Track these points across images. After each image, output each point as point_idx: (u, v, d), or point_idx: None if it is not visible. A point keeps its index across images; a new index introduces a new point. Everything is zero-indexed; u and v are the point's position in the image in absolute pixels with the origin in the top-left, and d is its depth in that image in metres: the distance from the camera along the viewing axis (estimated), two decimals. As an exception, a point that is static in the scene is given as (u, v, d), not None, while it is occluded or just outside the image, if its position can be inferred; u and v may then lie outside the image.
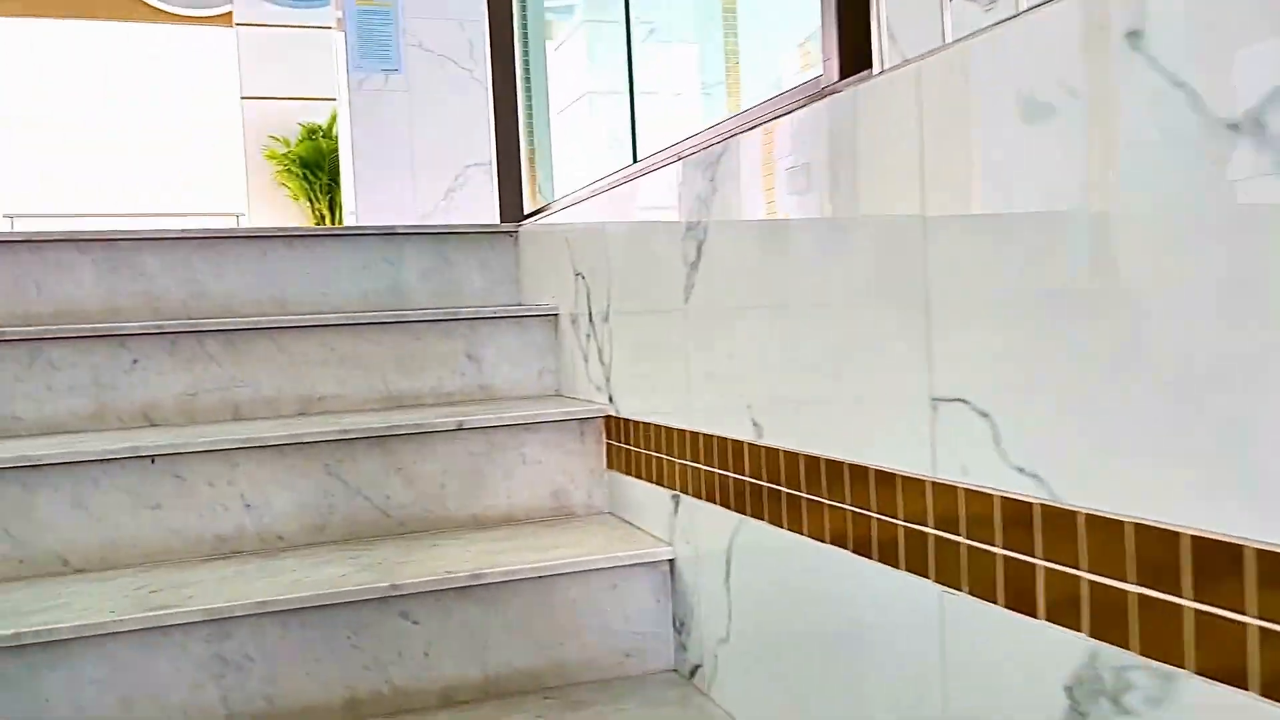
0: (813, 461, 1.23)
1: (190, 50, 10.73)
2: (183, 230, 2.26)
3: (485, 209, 6.04)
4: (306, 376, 2.08)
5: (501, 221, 2.65)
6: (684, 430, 1.61)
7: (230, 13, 9.37)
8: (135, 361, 1.97)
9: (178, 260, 2.27)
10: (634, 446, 1.83)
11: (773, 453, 1.32)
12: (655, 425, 1.73)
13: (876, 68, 1.08)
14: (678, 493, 1.65)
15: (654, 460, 1.74)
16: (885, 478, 1.09)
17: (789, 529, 1.30)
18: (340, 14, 5.81)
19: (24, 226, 9.61)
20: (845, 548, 1.17)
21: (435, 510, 1.87)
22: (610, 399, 1.94)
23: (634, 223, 1.79)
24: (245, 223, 9.75)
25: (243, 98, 9.38)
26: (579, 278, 2.08)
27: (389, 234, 2.42)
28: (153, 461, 1.71)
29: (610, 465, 1.96)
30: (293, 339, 2.07)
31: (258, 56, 9.42)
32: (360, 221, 5.83)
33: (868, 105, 1.09)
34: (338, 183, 8.88)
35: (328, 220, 9.34)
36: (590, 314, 2.02)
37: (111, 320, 2.22)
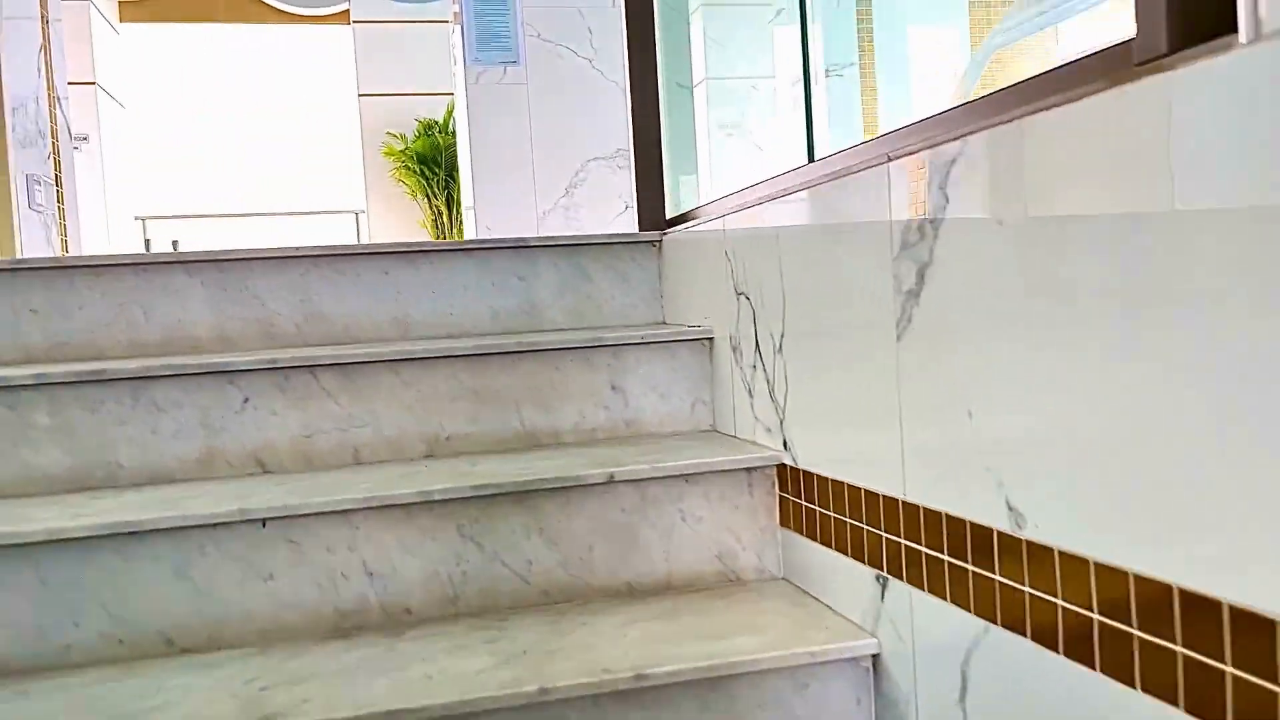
0: (1115, 578, 0.90)
1: (309, 50, 10.82)
2: (296, 248, 2.04)
3: (607, 204, 5.80)
4: (433, 413, 1.84)
5: (640, 229, 2.37)
6: (894, 498, 1.29)
7: (347, 10, 9.37)
8: (246, 400, 1.76)
9: (291, 281, 2.05)
10: (818, 506, 1.52)
11: (1043, 553, 1.00)
12: (850, 486, 1.41)
13: (1245, 34, 0.75)
14: (884, 574, 1.33)
15: (847, 527, 1.43)
16: (1260, 625, 0.76)
17: (1067, 656, 0.97)
18: (457, 7, 5.64)
19: (153, 229, 9.83)
20: (1173, 704, 0.85)
21: (582, 577, 1.60)
22: (785, 444, 1.63)
23: (819, 237, 1.48)
24: (364, 220, 9.78)
25: (360, 95, 9.38)
26: (741, 298, 1.77)
27: (520, 247, 2.16)
28: (264, 525, 1.48)
29: (784, 523, 1.66)
30: (417, 371, 1.83)
31: (374, 53, 9.40)
32: (479, 218, 5.65)
33: (1230, 87, 0.75)
34: (455, 178, 8.79)
35: (445, 216, 9.29)
36: (757, 341, 1.71)
37: (222, 350, 2.02)
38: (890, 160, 1.25)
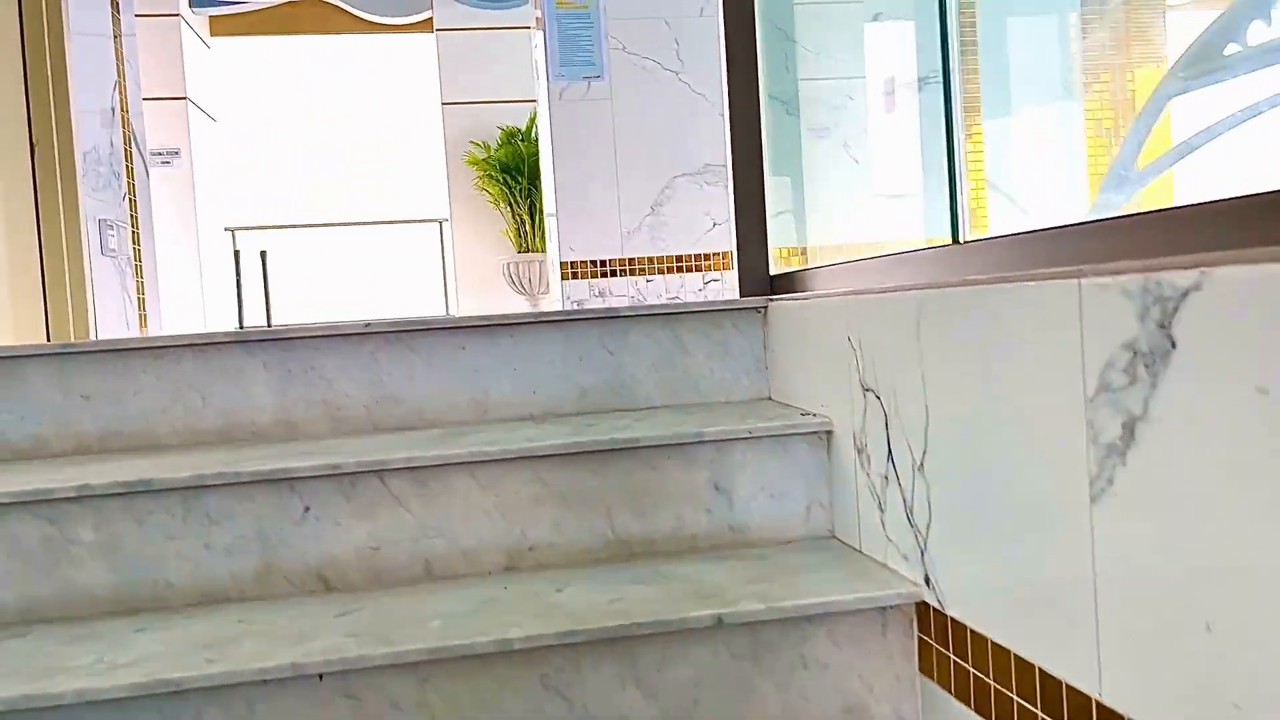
0: None
1: (394, 59, 10.83)
2: (366, 324, 1.85)
3: (694, 222, 5.56)
4: (514, 519, 1.63)
5: (741, 290, 2.13)
6: (1085, 695, 1.03)
7: (430, 19, 9.31)
8: (307, 510, 1.57)
9: (360, 360, 1.87)
10: (972, 667, 1.26)
11: None
12: (1019, 657, 1.16)
13: None
14: (1067, 781, 1.07)
15: (1013, 704, 1.17)
16: None
17: None
18: (539, 13, 5.46)
19: (242, 240, 9.92)
20: None
21: (686, 735, 1.37)
22: (927, 580, 1.37)
23: (976, 348, 1.22)
24: (448, 229, 9.73)
25: (443, 104, 9.32)
26: (869, 395, 1.52)
27: (610, 317, 1.94)
28: (320, 679, 1.29)
29: (924, 670, 1.40)
30: (496, 473, 1.62)
31: (457, 62, 9.34)
32: (561, 240, 5.47)
33: None
34: (538, 187, 8.65)
35: (527, 225, 9.17)
36: (890, 451, 1.46)
37: (286, 437, 1.85)
38: (1082, 277, 0.99)
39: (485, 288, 9.45)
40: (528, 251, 9.08)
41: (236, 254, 9.89)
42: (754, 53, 2.18)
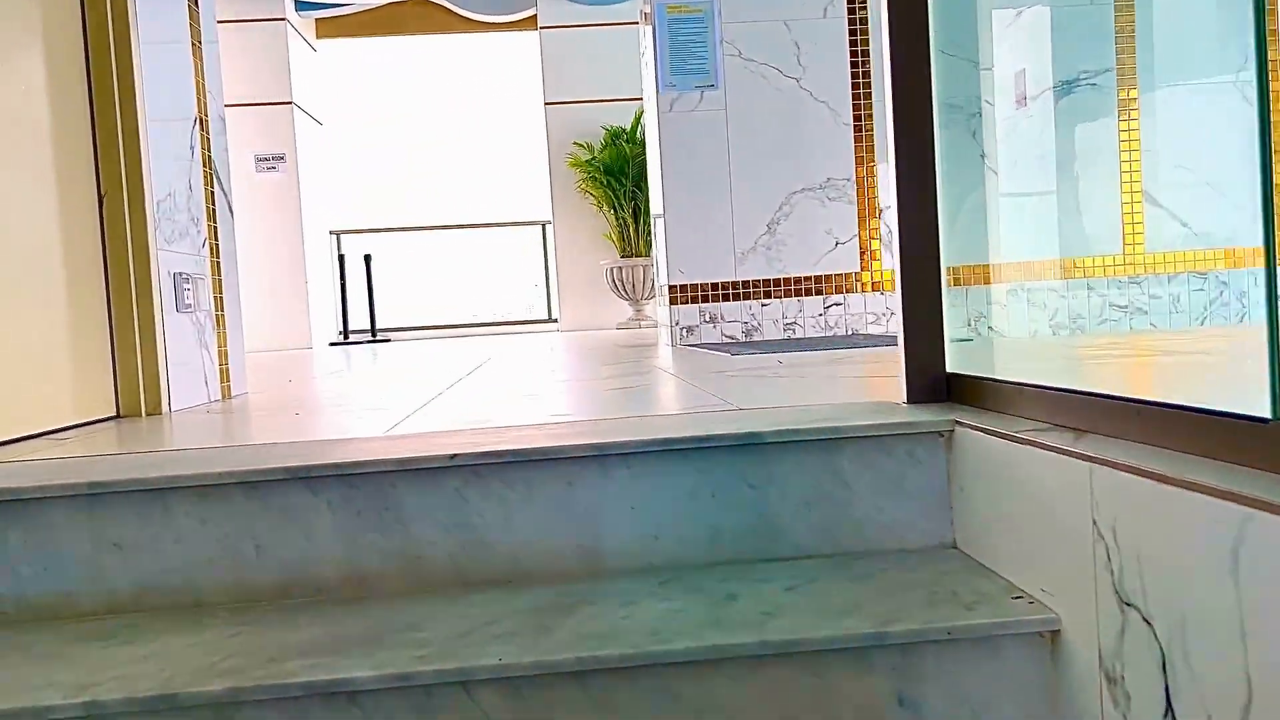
0: None
1: (498, 59, 10.60)
2: (451, 456, 1.50)
3: (816, 241, 5.09)
4: (634, 741, 1.25)
5: (910, 393, 1.70)
6: None
7: (535, 16, 9.02)
8: (370, 729, 1.22)
9: (444, 498, 1.51)
10: None
11: None
12: None
13: None
14: None
15: None
16: None
17: None
18: (647, 7, 5.05)
19: (347, 244, 9.84)
20: None
21: None
22: None
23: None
24: (550, 231, 9.46)
25: (546, 103, 9.04)
26: (1131, 611, 1.09)
27: (750, 444, 1.54)
28: None
29: None
30: (612, 683, 1.24)
31: (561, 60, 9.03)
32: (670, 253, 5.07)
33: None
34: (642, 189, 8.29)
35: (631, 229, 8.83)
36: (1170, 709, 1.03)
37: (355, 595, 1.51)
38: None
39: (587, 290, 9.16)
40: (631, 255, 8.74)
41: (341, 258, 9.81)
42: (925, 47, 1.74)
